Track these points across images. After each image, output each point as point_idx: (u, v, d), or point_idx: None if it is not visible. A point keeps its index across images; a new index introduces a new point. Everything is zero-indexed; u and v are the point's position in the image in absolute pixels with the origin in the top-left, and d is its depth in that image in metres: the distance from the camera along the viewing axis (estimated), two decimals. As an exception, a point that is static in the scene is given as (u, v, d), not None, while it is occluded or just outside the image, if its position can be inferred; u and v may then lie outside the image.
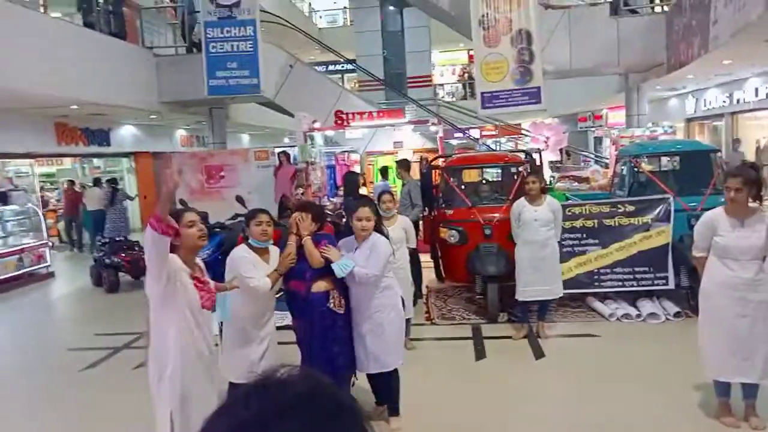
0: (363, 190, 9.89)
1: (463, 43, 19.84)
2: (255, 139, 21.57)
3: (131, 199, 13.27)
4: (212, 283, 3.17)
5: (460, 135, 16.17)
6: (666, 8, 10.89)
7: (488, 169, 8.71)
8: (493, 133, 18.75)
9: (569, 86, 13.67)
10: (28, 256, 9.91)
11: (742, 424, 3.70)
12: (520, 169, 6.94)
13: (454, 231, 6.57)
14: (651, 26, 10.39)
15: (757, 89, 12.19)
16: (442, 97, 22.78)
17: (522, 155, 7.97)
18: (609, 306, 6.11)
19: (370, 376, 3.99)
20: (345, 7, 26.07)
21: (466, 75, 24.68)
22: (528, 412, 4.19)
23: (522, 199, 5.55)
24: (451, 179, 7.09)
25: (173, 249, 2.93)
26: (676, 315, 5.82)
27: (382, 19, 20.84)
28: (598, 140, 20.06)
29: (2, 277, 9.30)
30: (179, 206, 5.62)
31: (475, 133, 17.50)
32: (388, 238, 3.83)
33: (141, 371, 3.11)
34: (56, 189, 15.17)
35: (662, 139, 9.89)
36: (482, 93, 10.08)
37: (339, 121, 10.53)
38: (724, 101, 13.61)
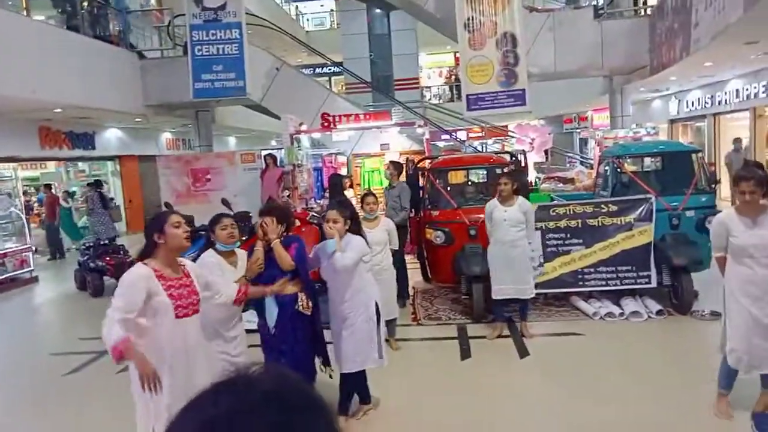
0: (349, 193, 9.89)
1: (449, 45, 19.94)
2: (241, 141, 21.50)
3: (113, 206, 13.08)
4: (252, 288, 3.48)
5: (447, 137, 16.22)
6: (649, 11, 11.04)
7: (474, 171, 8.77)
8: (480, 135, 18.84)
9: (554, 88, 13.80)
10: (11, 260, 9.79)
11: (734, 415, 3.74)
12: (506, 170, 6.99)
13: (439, 232, 6.61)
14: (634, 29, 10.52)
15: (738, 90, 12.38)
16: (429, 99, 22.84)
17: (507, 156, 8.02)
18: (593, 305, 6.16)
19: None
20: (332, 10, 26.12)
21: (453, 77, 24.79)
22: (513, 410, 4.22)
23: (494, 199, 5.58)
24: (437, 181, 7.13)
25: (155, 249, 2.91)
26: (659, 313, 5.89)
27: (369, 22, 20.85)
28: (584, 141, 20.27)
29: (-16, 283, 9.19)
30: (164, 209, 5.59)
31: (461, 135, 17.57)
32: (366, 241, 4.01)
33: (124, 375, 3.09)
34: (37, 195, 14.79)
35: (645, 140, 10.00)
36: (468, 95, 10.16)
37: (326, 124, 10.51)
38: (707, 102, 13.81)
